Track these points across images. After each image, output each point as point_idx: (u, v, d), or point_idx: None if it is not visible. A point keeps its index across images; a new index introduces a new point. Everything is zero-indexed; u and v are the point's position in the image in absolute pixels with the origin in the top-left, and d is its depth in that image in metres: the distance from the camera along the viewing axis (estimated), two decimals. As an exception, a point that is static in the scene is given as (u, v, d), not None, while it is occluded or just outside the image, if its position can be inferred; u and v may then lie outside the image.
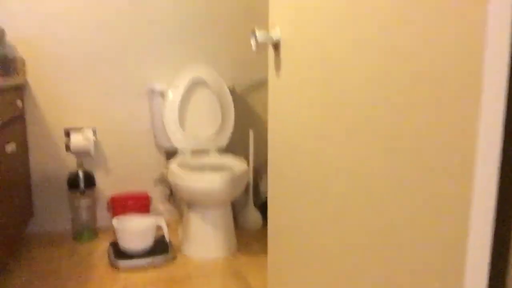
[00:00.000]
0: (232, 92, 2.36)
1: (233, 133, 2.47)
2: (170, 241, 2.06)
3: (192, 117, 2.25)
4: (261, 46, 1.05)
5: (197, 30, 2.37)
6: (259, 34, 1.03)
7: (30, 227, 2.30)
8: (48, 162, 2.26)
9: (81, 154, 2.27)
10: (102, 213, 2.37)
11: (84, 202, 2.19)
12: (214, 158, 2.20)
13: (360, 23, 0.67)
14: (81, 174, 2.17)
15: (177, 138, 2.21)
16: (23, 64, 2.14)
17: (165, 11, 2.31)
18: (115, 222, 1.96)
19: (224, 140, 2.29)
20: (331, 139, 0.78)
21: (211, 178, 1.89)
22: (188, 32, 2.36)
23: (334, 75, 0.76)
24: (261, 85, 2.54)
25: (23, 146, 2.09)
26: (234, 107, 2.38)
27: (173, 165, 2.03)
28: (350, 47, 0.71)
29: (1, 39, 2.04)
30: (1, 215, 1.64)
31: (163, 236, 2.06)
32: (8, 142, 1.76)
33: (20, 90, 2.09)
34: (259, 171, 2.58)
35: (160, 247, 2.01)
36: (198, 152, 2.24)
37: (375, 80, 0.64)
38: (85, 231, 2.21)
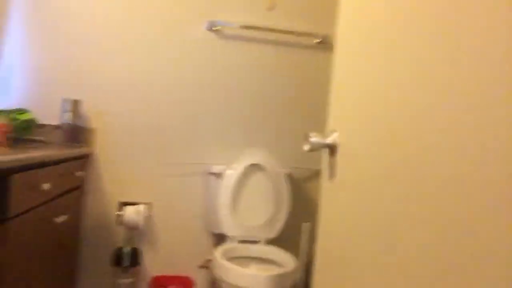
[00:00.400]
0: (289, 180, 2.27)
1: (286, 224, 2.33)
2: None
3: (245, 204, 2.17)
4: (314, 148, 0.96)
5: (260, 114, 2.36)
6: (314, 139, 0.95)
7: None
8: (99, 234, 2.25)
9: (132, 229, 2.25)
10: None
11: (126, 279, 2.12)
12: (263, 250, 2.07)
13: (425, 136, 0.57)
14: (127, 250, 2.13)
15: (227, 224, 2.12)
16: (93, 134, 2.22)
17: (231, 96, 2.34)
18: (151, 308, 1.86)
19: (275, 231, 2.16)
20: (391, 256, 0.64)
21: (255, 276, 1.75)
22: (251, 116, 2.36)
23: (397, 190, 0.65)
24: (320, 175, 2.43)
25: (76, 216, 2.10)
26: (290, 196, 2.27)
27: (218, 253, 1.92)
28: (418, 158, 0.60)
29: (76, 110, 2.15)
30: (44, 286, 1.61)
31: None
32: (60, 214, 1.77)
33: (84, 160, 2.15)
34: (311, 270, 2.40)
35: None
36: (246, 241, 2.13)
37: (446, 195, 0.51)
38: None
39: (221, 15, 2.33)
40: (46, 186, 1.50)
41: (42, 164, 1.52)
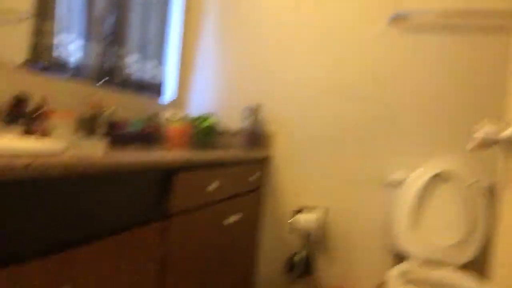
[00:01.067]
0: (488, 193, 1.86)
1: (482, 248, 1.91)
2: None
3: (429, 219, 1.87)
4: (483, 144, 0.72)
5: (451, 116, 2.01)
6: (487, 131, 0.71)
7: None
8: (277, 237, 2.27)
9: (305, 236, 2.19)
10: (317, 305, 2.18)
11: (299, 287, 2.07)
12: (450, 276, 1.73)
13: None
14: (300, 258, 2.07)
15: (405, 240, 1.85)
16: (271, 138, 2.26)
17: (415, 97, 2.06)
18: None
19: (466, 255, 1.79)
20: None
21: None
22: (440, 119, 2.03)
23: None
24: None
25: (251, 219, 2.15)
26: (487, 213, 1.86)
27: (394, 273, 1.68)
28: None
29: (256, 114, 2.22)
30: (222, 285, 1.68)
31: None
32: (231, 216, 1.82)
33: (262, 164, 2.20)
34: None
35: None
36: (430, 263, 1.82)
37: None
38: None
39: (408, 4, 2.09)
40: (214, 186, 1.55)
41: (212, 165, 1.59)
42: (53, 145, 0.95)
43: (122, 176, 1.09)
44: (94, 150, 1.09)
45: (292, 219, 2.19)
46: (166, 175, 1.30)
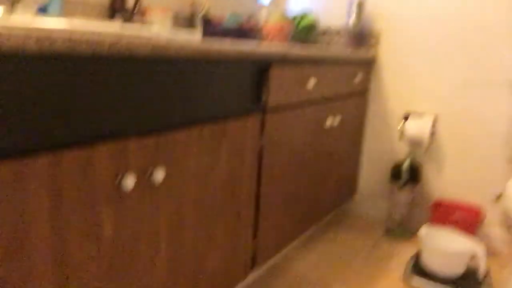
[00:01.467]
0: None
1: None
2: (486, 279, 1.58)
3: None
4: None
5: None
6: None
7: (347, 203, 2.29)
8: (381, 143, 2.15)
9: (414, 144, 2.03)
10: (422, 214, 2.08)
11: (403, 196, 1.97)
12: None
13: None
14: (406, 166, 1.95)
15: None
16: (377, 38, 2.06)
17: None
18: (423, 231, 1.66)
19: None
20: None
21: None
22: None
23: None
24: None
25: (356, 123, 2.05)
26: None
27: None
28: None
29: (359, 11, 2.02)
30: (320, 189, 1.66)
31: (476, 270, 1.60)
32: (332, 117, 1.73)
33: (367, 65, 2.03)
34: None
35: (469, 282, 1.57)
36: None
37: None
38: (398, 228, 2.00)
39: None
40: (312, 84, 1.46)
41: (311, 61, 1.49)
42: (151, 31, 0.92)
43: (218, 64, 1.04)
44: (190, 38, 1.05)
45: (400, 125, 2.04)
46: (262, 67, 1.24)
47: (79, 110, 0.72)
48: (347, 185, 2.08)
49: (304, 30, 1.90)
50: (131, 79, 0.81)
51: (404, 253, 1.85)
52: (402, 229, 2.00)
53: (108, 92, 0.77)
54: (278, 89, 1.30)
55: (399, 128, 2.07)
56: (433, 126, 1.95)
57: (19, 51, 0.60)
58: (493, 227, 1.91)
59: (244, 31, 1.46)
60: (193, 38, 1.01)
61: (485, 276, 1.60)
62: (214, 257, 1.17)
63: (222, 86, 1.07)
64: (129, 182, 0.80)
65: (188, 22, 1.62)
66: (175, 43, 0.86)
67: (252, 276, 1.59)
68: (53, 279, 0.73)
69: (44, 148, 0.68)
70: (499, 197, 1.88)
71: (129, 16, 1.27)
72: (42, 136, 0.67)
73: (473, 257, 1.62)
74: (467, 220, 1.86)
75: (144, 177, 0.87)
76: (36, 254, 0.69)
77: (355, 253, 1.83)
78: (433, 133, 1.97)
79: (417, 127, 1.94)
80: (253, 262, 1.40)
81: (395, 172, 1.98)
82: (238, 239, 1.27)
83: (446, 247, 1.62)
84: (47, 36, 0.62)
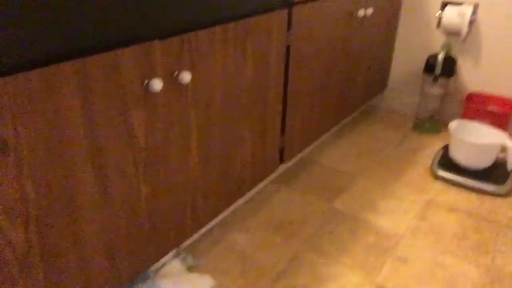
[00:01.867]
0: None
1: None
2: (515, 171, 1.59)
3: None
4: None
5: None
6: None
7: (376, 97, 2.26)
8: (416, 34, 2.04)
9: (451, 34, 1.92)
10: (454, 108, 2.04)
11: (435, 90, 1.92)
12: None
13: None
14: (441, 58, 1.86)
15: None
16: None
17: None
18: (453, 124, 1.64)
19: None
20: None
21: None
22: None
23: None
24: None
25: (390, 12, 1.93)
26: None
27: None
28: None
29: None
30: (350, 83, 1.64)
31: (505, 162, 1.60)
32: (365, 7, 1.64)
33: None
34: None
35: (497, 174, 1.58)
36: None
37: None
38: (428, 122, 1.98)
39: None
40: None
41: None
42: None
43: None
44: None
45: (438, 13, 1.91)
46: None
47: (101, 16, 0.70)
48: (378, 79, 2.03)
49: None
50: (149, -23, 0.77)
51: (432, 147, 1.86)
52: (432, 123, 1.98)
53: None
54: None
55: (436, 15, 1.95)
56: (473, 14, 1.82)
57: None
58: (527, 119, 1.87)
59: None
60: None
61: (513, 169, 1.61)
62: (243, 154, 1.21)
63: (245, -21, 1.02)
64: (157, 84, 0.81)
65: None
66: None
67: (281, 168, 1.65)
68: (93, 178, 0.78)
69: (70, 55, 0.68)
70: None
71: None
72: (67, 43, 0.67)
73: (502, 149, 1.61)
74: (500, 113, 1.82)
75: (171, 79, 0.88)
76: (74, 155, 0.73)
77: (383, 146, 1.85)
78: (472, 22, 1.85)
79: (455, 15, 1.81)
80: (281, 157, 1.44)
81: (429, 65, 1.91)
82: (266, 136, 1.30)
83: (475, 139, 1.61)
84: None
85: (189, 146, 1.00)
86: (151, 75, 0.82)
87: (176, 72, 0.88)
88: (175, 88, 0.90)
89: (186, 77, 0.88)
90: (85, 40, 0.69)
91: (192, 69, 0.93)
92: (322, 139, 1.90)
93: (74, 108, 0.71)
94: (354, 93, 1.80)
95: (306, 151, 1.80)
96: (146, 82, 0.81)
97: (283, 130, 1.39)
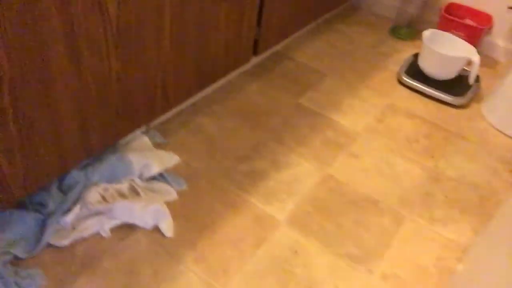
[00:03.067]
0: None
1: None
2: (475, 85, 1.67)
3: None
4: None
5: None
6: None
7: (363, -1, 2.23)
8: None
9: None
10: (432, 15, 2.04)
11: (417, -4, 1.91)
12: None
13: None
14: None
15: None
16: None
17: None
18: (426, 34, 1.67)
19: None
20: None
21: None
22: None
23: None
24: None
25: None
26: None
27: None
28: None
29: None
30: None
31: (469, 75, 1.66)
32: None
33: None
34: None
35: (458, 87, 1.66)
36: None
37: None
38: (405, 28, 2.00)
39: None
40: None
41: None
42: None
43: None
44: None
45: None
46: None
47: None
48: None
49: None
50: None
51: (404, 53, 1.90)
52: (409, 30, 2.00)
53: None
54: None
55: None
56: None
57: None
58: (498, 38, 1.91)
59: None
60: None
61: (475, 82, 1.68)
62: (217, 40, 1.23)
63: None
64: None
65: None
66: None
67: (254, 60, 1.68)
68: (65, 49, 0.80)
69: None
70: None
71: None
72: None
73: (468, 63, 1.67)
74: (475, 25, 1.85)
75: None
76: (47, 27, 0.74)
77: (357, 48, 1.88)
78: None
79: None
80: (255, 49, 1.46)
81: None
82: (242, 25, 1.30)
83: (444, 50, 1.66)
84: None
85: (162, 25, 1.00)
86: None
87: None
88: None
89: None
90: None
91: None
92: (299, 35, 1.90)
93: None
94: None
95: (281, 45, 1.81)
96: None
97: (259, 20, 1.39)
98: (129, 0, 0.87)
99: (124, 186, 1.08)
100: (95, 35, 0.84)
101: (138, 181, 1.10)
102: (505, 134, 1.53)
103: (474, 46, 1.65)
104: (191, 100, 1.45)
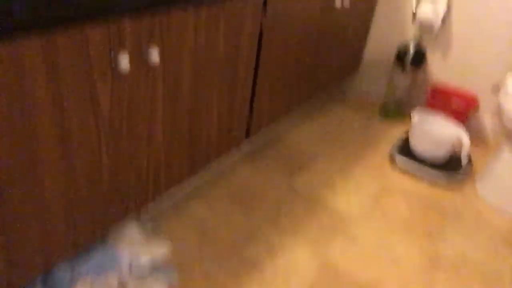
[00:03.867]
0: None
1: None
2: (467, 165, 1.68)
3: None
4: None
5: None
6: None
7: (347, 83, 2.31)
8: (390, 24, 2.08)
9: (424, 27, 1.97)
10: (420, 98, 2.11)
11: (404, 79, 1.98)
12: None
13: None
14: (411, 48, 1.92)
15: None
16: None
17: None
18: (415, 114, 1.71)
19: None
20: None
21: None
22: None
23: None
24: None
25: (369, 2, 1.96)
26: None
27: (511, 77, 1.50)
28: None
29: None
30: (322, 64, 1.67)
31: (460, 155, 1.69)
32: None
33: None
34: None
35: (451, 166, 1.67)
36: None
37: None
38: (394, 109, 2.05)
39: None
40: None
41: None
42: None
43: None
44: None
45: (414, 6, 1.95)
46: None
47: (71, -17, 0.71)
48: (350, 62, 2.07)
49: None
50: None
51: (395, 132, 1.93)
52: (398, 111, 2.05)
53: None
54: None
55: (413, 9, 1.98)
56: (446, 11, 1.87)
57: None
58: (485, 117, 1.97)
59: None
60: None
61: (467, 162, 1.70)
62: (209, 127, 1.24)
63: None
64: (124, 60, 0.82)
65: None
66: None
67: (246, 142, 1.69)
68: (56, 146, 0.80)
69: (37, 28, 0.69)
70: (496, 87, 1.89)
71: None
72: (35, 16, 0.67)
73: (458, 143, 1.70)
74: (462, 107, 1.91)
75: (139, 55, 0.89)
76: (38, 123, 0.75)
77: (348, 129, 1.92)
78: (444, 19, 1.90)
79: (430, 10, 1.86)
80: (247, 132, 1.48)
81: (400, 54, 1.96)
82: (234, 110, 1.33)
83: (433, 131, 1.69)
84: None
85: (155, 119, 1.02)
86: (120, 50, 0.84)
87: (145, 48, 0.89)
88: (143, 64, 0.91)
89: (155, 54, 0.89)
90: (52, 13, 0.70)
91: (161, 46, 0.94)
92: (290, 118, 1.95)
93: (39, 79, 0.72)
94: (324, 74, 1.84)
95: (273, 128, 1.84)
96: (113, 57, 0.83)
97: (251, 105, 1.42)
98: (123, 99, 0.89)
99: (112, 281, 1.03)
100: (86, 129, 0.85)
101: (127, 274, 1.06)
102: (502, 213, 1.52)
103: (463, 125, 1.69)
104: (182, 186, 1.44)
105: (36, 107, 0.73)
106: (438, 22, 1.85)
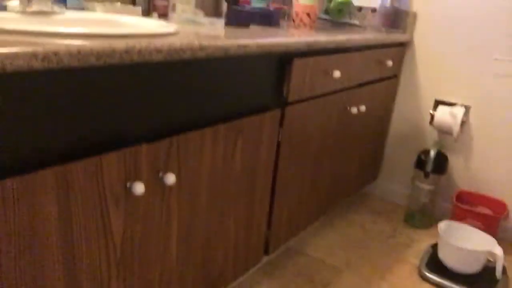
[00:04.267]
0: None
1: None
2: (503, 278, 1.55)
3: None
4: None
5: None
6: None
7: (368, 187, 2.26)
8: (409, 129, 2.09)
9: (443, 132, 1.96)
10: (444, 204, 2.03)
11: (426, 185, 1.92)
12: None
13: None
14: (433, 155, 1.89)
15: None
16: (413, 19, 1.95)
17: None
18: (442, 226, 1.63)
19: None
20: None
21: None
22: None
23: None
24: None
25: (384, 107, 1.98)
26: None
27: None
28: None
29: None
30: (341, 173, 1.65)
31: (494, 268, 1.56)
32: (359, 104, 1.69)
33: (399, 49, 1.94)
34: None
35: (485, 280, 1.55)
36: None
37: None
38: (418, 216, 1.97)
39: None
40: (337, 74, 1.41)
41: (337, 50, 1.43)
42: (164, 27, 0.90)
43: (236, 60, 1.02)
44: (210, 31, 1.02)
45: (431, 112, 1.96)
46: (284, 60, 1.20)
47: (88, 120, 0.72)
48: (370, 168, 2.04)
49: (337, 9, 1.82)
50: (143, 84, 0.80)
51: (422, 242, 1.83)
52: (423, 218, 1.97)
53: (118, 99, 0.76)
54: (300, 82, 1.27)
55: (430, 113, 1.99)
56: (465, 115, 1.87)
57: (24, 70, 0.59)
58: (517, 223, 1.86)
59: (270, 14, 1.41)
60: (213, 31, 0.98)
61: (502, 275, 1.57)
62: (226, 246, 1.19)
63: (240, 82, 1.05)
64: (139, 187, 0.81)
65: (213, 3, 1.57)
66: (193, 45, 0.84)
67: (265, 258, 1.62)
68: (63, 278, 0.76)
69: (53, 161, 0.69)
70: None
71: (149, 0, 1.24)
72: (51, 150, 0.68)
73: (491, 255, 1.59)
74: (490, 214, 1.82)
75: (155, 181, 0.88)
76: (46, 258, 0.72)
77: (372, 239, 1.82)
78: (463, 123, 1.90)
79: (448, 116, 1.86)
80: (266, 248, 1.42)
81: (421, 160, 1.93)
82: (252, 227, 1.28)
83: (463, 244, 1.59)
84: (54, 51, 0.61)
85: (169, 244, 0.98)
86: (135, 178, 0.83)
87: (161, 174, 0.88)
88: (159, 190, 0.90)
89: (171, 178, 0.88)
90: (68, 146, 0.70)
91: (178, 170, 0.93)
92: (310, 227, 1.88)
93: (51, 211, 0.70)
94: (343, 184, 1.81)
95: (293, 240, 1.77)
96: (128, 185, 0.81)
97: (269, 220, 1.38)
98: (136, 226, 0.86)
99: None
100: (96, 259, 0.81)
101: None
102: None
103: (493, 235, 1.59)
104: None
105: (45, 240, 0.70)
106: (457, 127, 1.84)
